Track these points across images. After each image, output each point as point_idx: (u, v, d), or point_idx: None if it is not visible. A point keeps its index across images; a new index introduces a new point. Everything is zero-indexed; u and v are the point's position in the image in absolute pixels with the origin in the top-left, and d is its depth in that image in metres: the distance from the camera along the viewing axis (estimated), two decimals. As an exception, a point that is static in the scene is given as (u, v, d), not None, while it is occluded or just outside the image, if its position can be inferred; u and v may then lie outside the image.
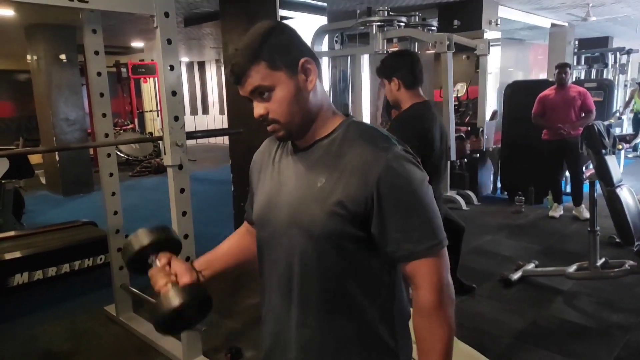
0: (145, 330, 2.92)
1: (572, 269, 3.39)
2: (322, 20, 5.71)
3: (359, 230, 0.93)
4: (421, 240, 0.92)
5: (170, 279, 1.02)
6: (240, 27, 4.45)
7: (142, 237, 1.04)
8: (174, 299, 0.97)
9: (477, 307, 3.17)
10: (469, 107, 6.22)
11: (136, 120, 10.74)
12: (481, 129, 5.58)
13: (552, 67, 5.70)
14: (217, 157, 10.68)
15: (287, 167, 1.02)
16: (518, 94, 5.88)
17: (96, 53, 2.76)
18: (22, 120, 10.78)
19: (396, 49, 5.02)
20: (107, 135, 2.87)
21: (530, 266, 3.65)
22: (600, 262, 3.35)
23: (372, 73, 9.11)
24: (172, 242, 1.09)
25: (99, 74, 2.79)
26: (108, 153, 2.93)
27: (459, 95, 6.44)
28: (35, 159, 6.82)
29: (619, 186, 3.18)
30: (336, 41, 5.86)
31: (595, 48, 10.07)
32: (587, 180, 3.63)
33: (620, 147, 5.70)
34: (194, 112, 14.09)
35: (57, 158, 7.09)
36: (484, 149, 5.95)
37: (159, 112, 10.60)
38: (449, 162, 5.69)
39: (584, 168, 5.26)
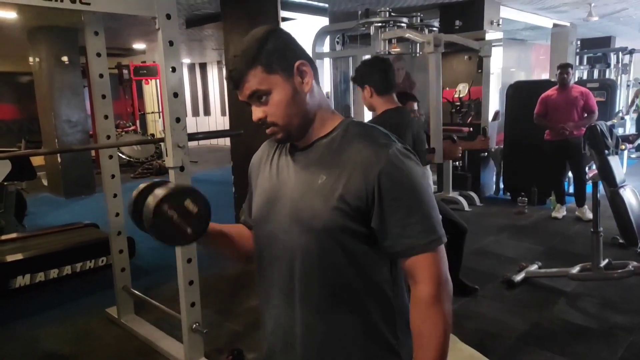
0: (147, 332, 2.92)
1: (575, 270, 3.37)
2: (324, 21, 5.71)
3: (360, 226, 0.94)
4: (421, 236, 0.93)
5: None
6: (241, 28, 4.45)
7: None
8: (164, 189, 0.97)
9: (479, 308, 3.15)
10: (471, 107, 6.22)
11: (138, 122, 10.76)
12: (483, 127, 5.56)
13: (554, 67, 5.68)
14: (219, 158, 10.68)
15: (286, 167, 1.03)
16: (520, 95, 5.87)
17: (98, 55, 2.77)
18: (24, 122, 10.82)
19: (396, 49, 5.02)
20: (109, 137, 2.87)
21: (533, 267, 3.63)
22: (603, 263, 3.34)
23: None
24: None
25: (101, 75, 2.79)
26: (110, 155, 2.94)
27: (460, 95, 6.43)
28: (37, 160, 6.81)
29: (622, 187, 3.17)
30: (337, 42, 5.87)
31: (598, 48, 10.05)
32: (590, 181, 3.62)
33: (623, 147, 5.71)
34: (195, 113, 14.11)
35: (59, 160, 7.10)
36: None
37: (161, 114, 10.60)
38: (450, 164, 5.70)
39: (586, 169, 5.25)
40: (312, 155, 0.99)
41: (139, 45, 9.88)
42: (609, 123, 3.91)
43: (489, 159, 6.27)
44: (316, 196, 0.95)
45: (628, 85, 9.48)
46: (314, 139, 1.00)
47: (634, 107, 8.90)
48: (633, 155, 8.68)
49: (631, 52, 9.12)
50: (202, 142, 12.84)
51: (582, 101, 4.88)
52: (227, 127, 10.05)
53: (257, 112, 0.97)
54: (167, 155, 2.36)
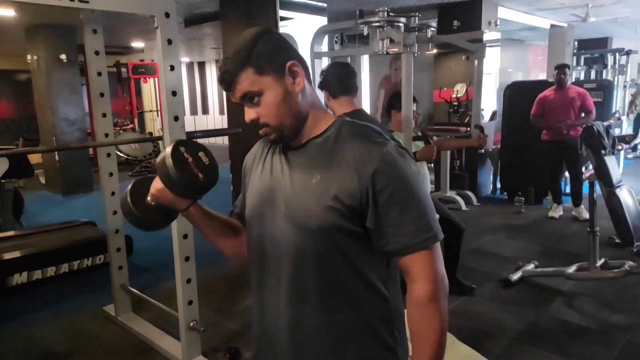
0: (145, 330, 2.92)
1: (571, 269, 3.39)
2: (322, 20, 5.71)
3: (355, 225, 0.94)
4: (416, 234, 0.93)
5: None
6: (240, 27, 4.45)
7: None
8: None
9: (476, 308, 3.16)
10: (468, 107, 6.23)
11: (136, 120, 10.73)
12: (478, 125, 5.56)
13: (552, 67, 5.69)
14: (217, 157, 10.46)
15: (280, 166, 1.03)
16: (517, 95, 5.88)
17: (96, 53, 2.77)
18: (22, 120, 10.78)
19: (394, 49, 5.01)
20: (107, 135, 2.87)
21: (530, 267, 3.65)
22: (599, 262, 3.36)
23: (372, 73, 9.13)
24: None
25: (99, 74, 2.79)
26: (108, 153, 2.93)
27: (458, 95, 6.45)
28: (35, 158, 6.82)
29: (618, 187, 3.18)
30: (336, 42, 5.86)
31: (595, 49, 10.06)
32: (587, 181, 3.64)
33: (620, 147, 5.71)
34: (193, 112, 14.10)
35: (57, 158, 7.09)
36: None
37: (159, 112, 10.59)
38: (448, 164, 5.70)
39: (583, 168, 5.27)
40: (306, 155, 1.00)
41: (137, 44, 9.87)
42: (605, 123, 3.91)
43: (486, 158, 6.29)
44: (311, 196, 0.95)
45: (625, 86, 9.50)
46: (307, 139, 1.01)
47: (632, 108, 8.91)
48: (629, 156, 8.71)
49: (628, 53, 9.13)
50: (199, 140, 12.80)
51: (579, 101, 4.90)
52: (225, 125, 10.05)
53: (249, 113, 0.98)
54: (165, 154, 2.35)
